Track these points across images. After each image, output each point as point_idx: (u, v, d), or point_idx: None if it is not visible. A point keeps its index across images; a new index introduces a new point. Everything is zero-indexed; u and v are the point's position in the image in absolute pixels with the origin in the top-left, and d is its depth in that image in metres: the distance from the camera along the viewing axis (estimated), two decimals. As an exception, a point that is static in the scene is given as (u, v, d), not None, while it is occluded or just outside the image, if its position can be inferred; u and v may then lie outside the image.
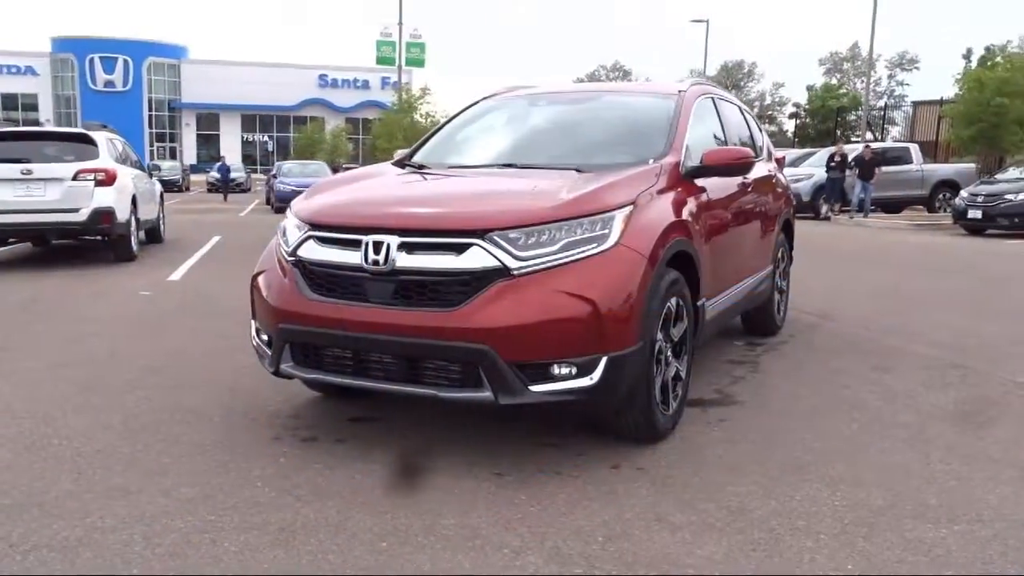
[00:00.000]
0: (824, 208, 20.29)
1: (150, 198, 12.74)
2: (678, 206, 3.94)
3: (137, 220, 11.33)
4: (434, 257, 3.36)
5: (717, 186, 4.55)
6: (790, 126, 42.64)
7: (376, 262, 3.40)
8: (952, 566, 2.69)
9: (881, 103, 41.21)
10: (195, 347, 5.76)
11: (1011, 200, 15.43)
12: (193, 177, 46.99)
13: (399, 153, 5.22)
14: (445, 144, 4.92)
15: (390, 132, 25.66)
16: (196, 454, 3.66)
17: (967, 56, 36.59)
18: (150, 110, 67.74)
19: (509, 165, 4.28)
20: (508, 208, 3.44)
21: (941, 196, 21.36)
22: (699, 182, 4.32)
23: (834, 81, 45.68)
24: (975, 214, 16.00)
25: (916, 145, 22.81)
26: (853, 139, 35.79)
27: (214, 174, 37.25)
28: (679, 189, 4.05)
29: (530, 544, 2.81)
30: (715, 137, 5.03)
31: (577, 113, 4.94)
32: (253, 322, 4.03)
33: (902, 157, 21.04)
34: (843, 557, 2.74)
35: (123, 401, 4.46)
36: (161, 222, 13.74)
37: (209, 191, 40.09)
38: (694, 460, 3.60)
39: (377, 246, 3.41)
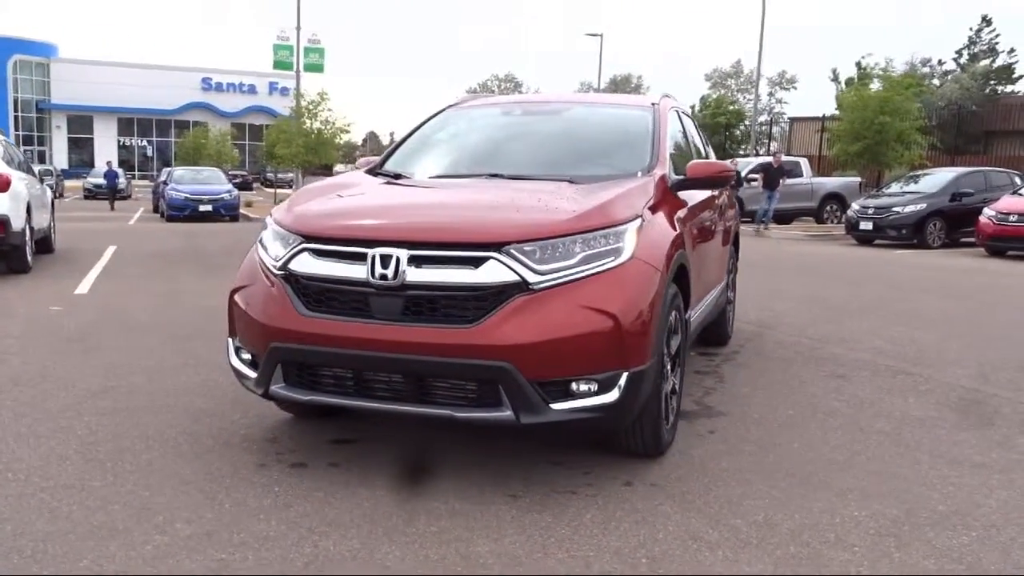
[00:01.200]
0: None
1: (42, 205, 11.89)
2: (673, 219, 3.93)
3: (31, 229, 10.54)
4: (447, 271, 3.21)
5: (694, 199, 4.58)
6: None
7: (384, 276, 3.21)
8: (989, 571, 2.75)
9: (762, 119, 43.13)
10: (133, 366, 5.36)
11: (899, 212, 16.35)
12: (67, 183, 44.37)
13: (363, 161, 5.02)
14: (417, 153, 4.75)
15: (288, 139, 24.93)
16: (178, 486, 3.37)
17: (835, 77, 38.77)
18: (16, 111, 63.57)
19: (495, 175, 4.16)
20: (524, 220, 3.33)
21: (829, 208, 22.45)
22: (682, 195, 4.33)
23: (724, 93, 47.51)
24: (866, 225, 16.86)
25: (806, 159, 23.92)
26: (740, 153, 37.18)
27: (93, 180, 35.26)
28: (670, 202, 4.04)
29: (575, 570, 2.70)
30: (681, 149, 5.06)
31: (555, 124, 4.87)
32: (231, 340, 3.76)
33: (794, 171, 21.98)
34: (884, 568, 2.76)
35: (72, 428, 4.08)
36: (53, 231, 12.85)
37: (86, 198, 37.96)
38: (701, 474, 3.58)
39: (385, 259, 3.23)
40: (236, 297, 3.68)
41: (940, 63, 44.98)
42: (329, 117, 24.62)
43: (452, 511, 3.14)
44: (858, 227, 17.05)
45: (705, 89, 52.02)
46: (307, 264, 3.41)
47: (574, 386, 3.18)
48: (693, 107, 45.41)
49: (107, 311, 7.58)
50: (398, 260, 3.21)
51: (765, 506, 3.25)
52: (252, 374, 3.58)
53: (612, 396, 3.20)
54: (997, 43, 44.80)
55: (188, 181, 23.81)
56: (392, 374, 3.27)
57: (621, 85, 68.82)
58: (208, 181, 24.24)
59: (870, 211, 16.99)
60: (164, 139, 66.90)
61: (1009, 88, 43.21)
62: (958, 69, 44.00)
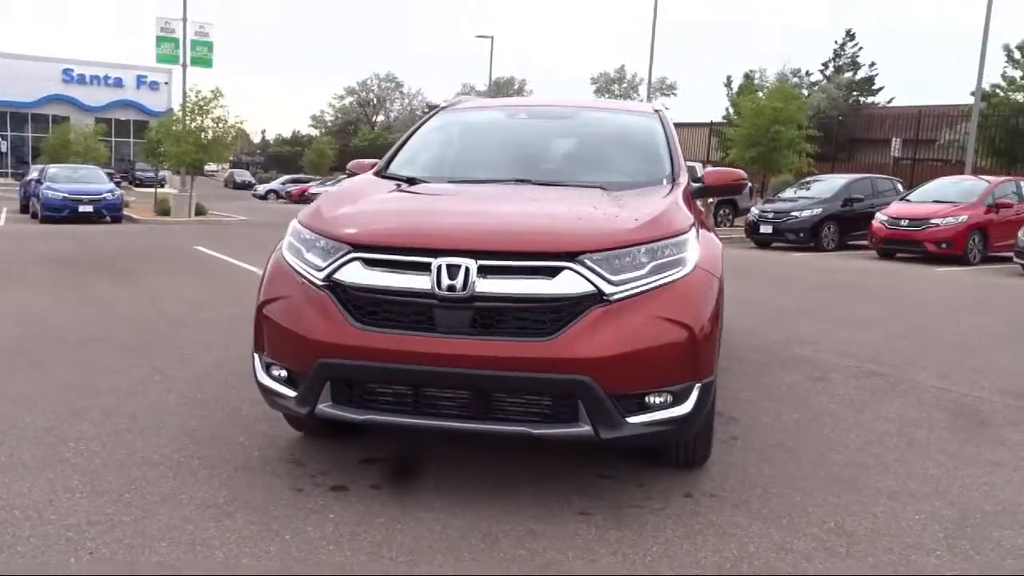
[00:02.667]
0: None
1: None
2: (708, 227, 3.92)
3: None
4: (520, 282, 3.07)
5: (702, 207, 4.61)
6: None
7: (452, 287, 3.05)
8: (1067, 570, 2.86)
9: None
10: (95, 385, 4.92)
11: (796, 217, 17.12)
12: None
13: (356, 164, 4.78)
14: (425, 157, 4.56)
15: (176, 136, 23.68)
16: (220, 517, 3.10)
17: (728, 83, 40.35)
18: None
19: (524, 181, 4.04)
20: (595, 229, 3.23)
21: (722, 212, 23.27)
22: (699, 202, 4.34)
23: (609, 99, 48.53)
24: (766, 229, 17.58)
25: (700, 164, 24.70)
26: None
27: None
28: (697, 210, 4.04)
29: (689, 589, 2.64)
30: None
31: (564, 129, 4.78)
32: (257, 357, 3.49)
33: (690, 175, 22.61)
34: (973, 569, 2.83)
35: (62, 455, 3.70)
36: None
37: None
38: (751, 482, 3.58)
39: (452, 270, 3.06)
40: (267, 310, 3.42)
41: (808, 74, 47.41)
42: (222, 114, 23.59)
43: (530, 532, 3.01)
44: (758, 230, 17.75)
45: (590, 93, 52.95)
46: (358, 274, 3.19)
47: (649, 399, 3.11)
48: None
49: (31, 323, 6.95)
50: (467, 270, 3.05)
51: (830, 512, 3.28)
52: (289, 392, 3.33)
53: (686, 408, 3.15)
54: (859, 56, 47.65)
55: (65, 180, 22.20)
56: (459, 391, 3.11)
57: (503, 88, 69.24)
58: (87, 180, 22.71)
59: (769, 215, 17.71)
60: (21, 134, 62.42)
61: (871, 99, 46.11)
62: (824, 80, 46.52)
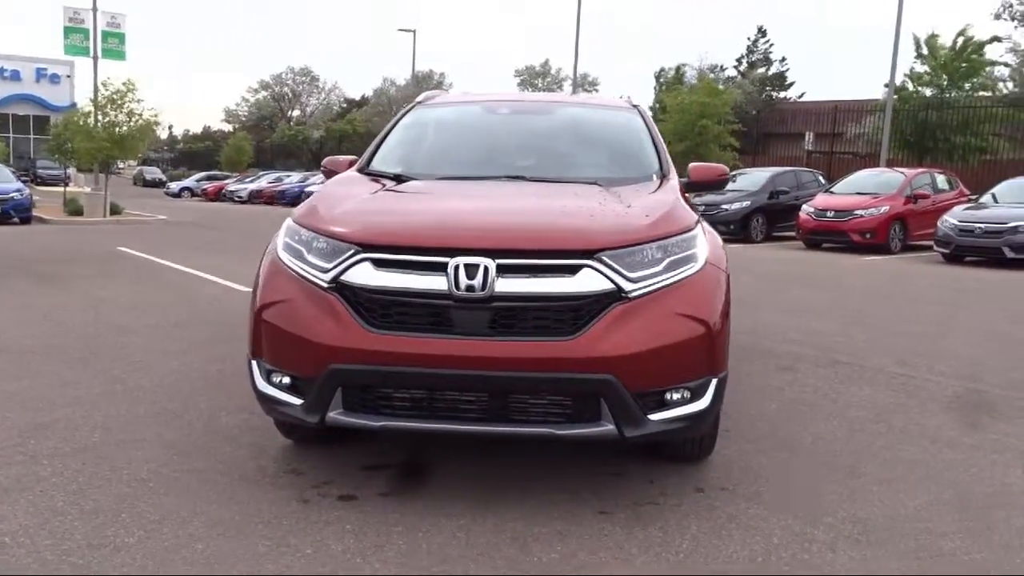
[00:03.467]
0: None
1: None
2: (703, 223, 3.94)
3: None
4: (540, 281, 3.02)
5: None
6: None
7: (471, 288, 2.97)
8: (1074, 548, 2.98)
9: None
10: (52, 397, 4.65)
11: (727, 209, 17.49)
12: None
13: (331, 161, 4.63)
14: (407, 153, 4.45)
15: (88, 132, 22.61)
16: (231, 534, 2.95)
17: (658, 76, 40.87)
18: None
19: (517, 178, 3.98)
20: (611, 227, 3.19)
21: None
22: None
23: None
24: (697, 221, 17.89)
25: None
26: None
27: None
28: (694, 206, 4.05)
29: (730, 585, 2.64)
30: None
31: (549, 124, 4.73)
32: (256, 364, 3.34)
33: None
34: (997, 549, 2.91)
35: (38, 474, 3.48)
36: None
37: None
38: (753, 473, 3.62)
39: (470, 269, 2.99)
40: (267, 315, 3.27)
41: (723, 69, 48.55)
42: (135, 108, 22.61)
43: (558, 534, 2.97)
44: (689, 223, 18.04)
45: (515, 87, 53.08)
46: (368, 276, 3.08)
47: (669, 396, 3.10)
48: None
49: (-37, 331, 6.53)
50: (486, 270, 2.98)
51: (839, 501, 3.34)
52: (294, 400, 3.19)
53: (703, 404, 3.16)
54: (771, 52, 49.07)
55: (-32, 179, 21.00)
56: (479, 393, 3.04)
57: (423, 82, 68.71)
58: (-9, 179, 21.52)
59: (700, 208, 17.98)
60: (-95, 130, 58.70)
61: (783, 94, 47.55)
62: (739, 76, 47.74)
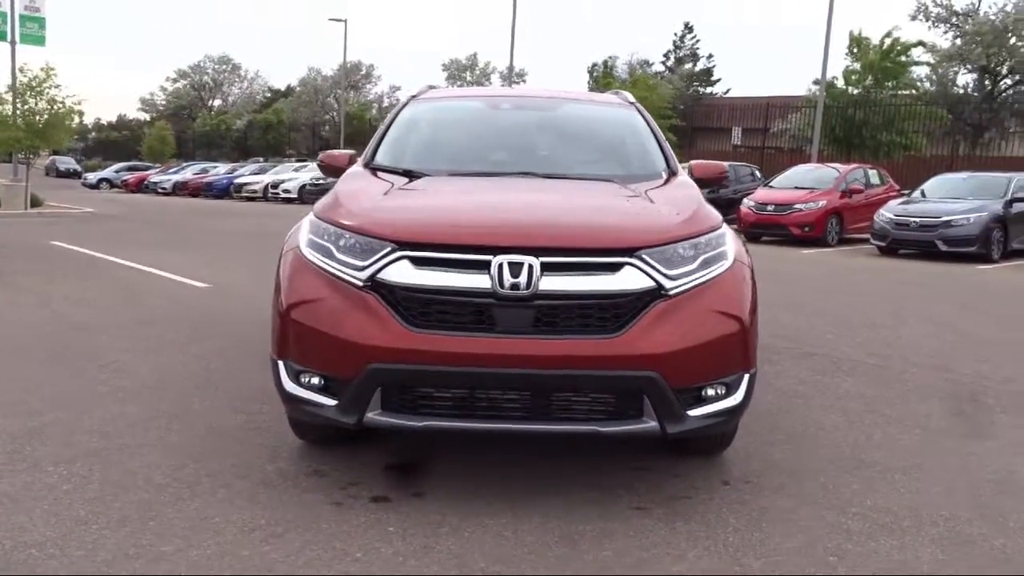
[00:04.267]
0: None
1: None
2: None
3: None
4: (583, 278, 3.02)
5: None
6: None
7: (516, 286, 2.96)
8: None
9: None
10: (34, 400, 4.45)
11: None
12: None
13: (333, 155, 4.53)
14: (410, 148, 4.38)
15: (2, 120, 21.58)
16: (271, 539, 2.87)
17: (591, 71, 41.15)
18: None
19: (527, 174, 3.97)
20: (649, 224, 3.22)
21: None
22: None
23: (462, 86, 48.51)
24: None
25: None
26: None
27: None
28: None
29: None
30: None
31: (550, 120, 4.70)
32: (283, 364, 3.25)
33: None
34: (1018, 536, 3.04)
35: (46, 482, 3.33)
36: None
37: None
38: (771, 466, 3.70)
39: (515, 268, 2.97)
40: (295, 314, 3.19)
41: (650, 64, 49.27)
42: (56, 95, 21.66)
43: (605, 531, 2.98)
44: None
45: (442, 81, 52.71)
46: (407, 274, 3.03)
47: (706, 391, 3.15)
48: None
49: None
50: (531, 268, 2.96)
51: (859, 491, 3.44)
52: (327, 401, 3.13)
53: (737, 399, 3.21)
54: (698, 48, 50.04)
55: None
56: (521, 392, 3.02)
57: (351, 73, 67.74)
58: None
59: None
60: None
61: (709, 90, 48.56)
62: (666, 71, 48.55)
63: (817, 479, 3.55)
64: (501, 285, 2.96)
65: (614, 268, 3.04)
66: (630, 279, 3.03)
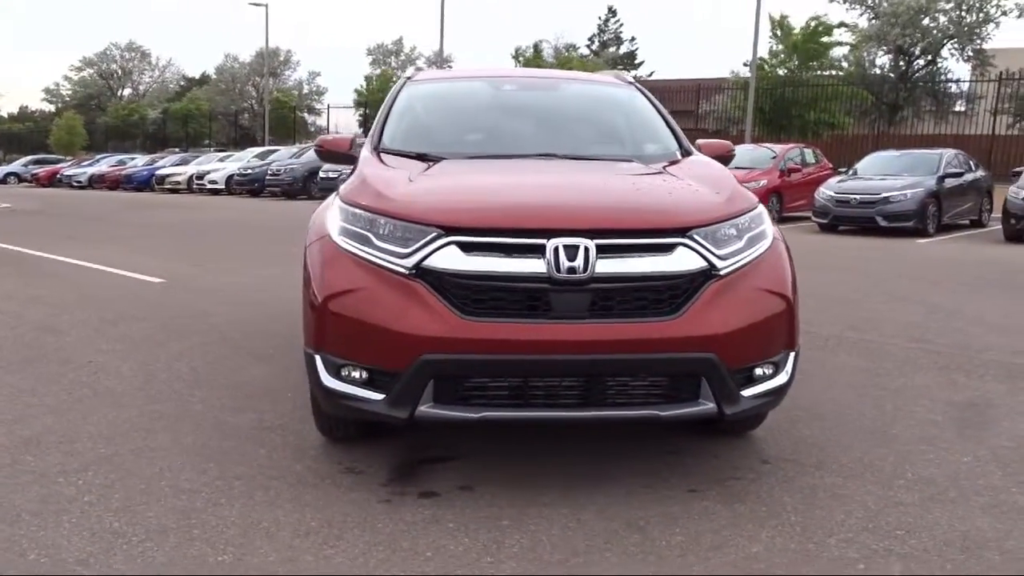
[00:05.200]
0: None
1: None
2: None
3: None
4: (639, 260, 2.96)
5: None
6: (345, 116, 43.34)
7: (572, 270, 2.87)
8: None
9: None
10: (11, 408, 4.17)
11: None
12: None
13: (334, 139, 4.35)
14: (418, 132, 4.23)
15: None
16: (331, 542, 2.75)
17: (516, 56, 41.04)
18: None
19: (548, 155, 3.87)
20: (696, 204, 3.17)
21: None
22: None
23: (387, 70, 47.65)
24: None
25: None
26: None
27: None
28: None
29: (871, 554, 2.70)
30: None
31: (557, 100, 4.61)
32: (320, 358, 3.10)
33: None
34: (1055, 502, 3.13)
35: (64, 493, 3.11)
36: None
37: None
38: (804, 443, 3.73)
39: (570, 251, 2.88)
40: (335, 306, 3.04)
41: (576, 48, 49.49)
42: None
43: (669, 516, 2.95)
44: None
45: (367, 66, 51.95)
46: (456, 260, 2.92)
47: (757, 371, 3.13)
48: (359, 88, 45.20)
49: None
50: (587, 250, 2.89)
51: (896, 464, 3.48)
52: (373, 395, 3.00)
53: (784, 377, 3.21)
54: (622, 32, 50.49)
55: None
56: (578, 378, 2.95)
57: (270, 58, 66.01)
58: None
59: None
60: None
61: (633, 73, 49.03)
62: (591, 55, 48.84)
63: (852, 454, 3.58)
64: (557, 269, 2.87)
65: (668, 249, 2.98)
66: (684, 260, 2.98)
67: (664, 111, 4.53)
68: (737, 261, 3.10)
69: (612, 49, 49.48)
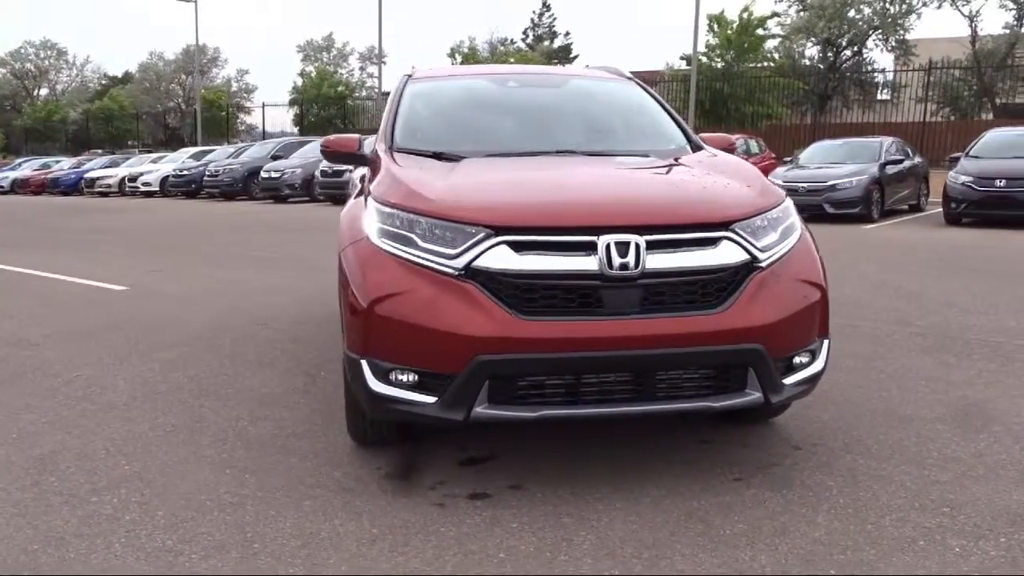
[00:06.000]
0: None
1: None
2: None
3: None
4: (686, 254, 2.99)
5: None
6: (280, 115, 42.50)
7: (624, 266, 2.90)
8: None
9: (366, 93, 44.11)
10: (20, 426, 4.01)
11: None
12: None
13: (342, 140, 4.28)
14: (428, 131, 4.19)
15: None
16: (399, 549, 2.72)
17: (453, 53, 40.76)
18: None
19: (567, 152, 3.89)
20: (737, 197, 3.23)
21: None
22: None
23: (330, 68, 46.84)
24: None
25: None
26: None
27: None
28: None
29: (927, 532, 2.79)
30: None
31: (565, 97, 4.61)
32: (368, 362, 3.05)
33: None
34: (1077, 473, 3.28)
35: (101, 511, 3.01)
36: None
37: None
38: (826, 428, 3.82)
39: (622, 247, 2.90)
40: (382, 309, 3.00)
41: (512, 42, 49.52)
42: None
43: (723, 505, 3.00)
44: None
45: (297, 62, 51.00)
46: (508, 260, 2.91)
47: (796, 360, 3.20)
48: (295, 83, 44.41)
49: None
50: (637, 247, 2.91)
51: (919, 443, 3.60)
52: (425, 398, 2.97)
53: (820, 365, 3.29)
54: (555, 26, 50.69)
55: None
56: (630, 373, 2.97)
57: (194, 56, 64.41)
58: None
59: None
60: None
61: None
62: (527, 48, 48.92)
63: (875, 436, 3.69)
64: (610, 265, 2.89)
65: (713, 243, 3.03)
66: (728, 253, 3.03)
67: (667, 105, 4.58)
68: (775, 252, 3.16)
69: (547, 43, 49.64)
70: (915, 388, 4.43)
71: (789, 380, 3.16)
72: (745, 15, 27.92)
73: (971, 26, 32.62)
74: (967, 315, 6.31)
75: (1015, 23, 32.49)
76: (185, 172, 27.29)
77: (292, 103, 42.74)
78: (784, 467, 3.35)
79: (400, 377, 3.01)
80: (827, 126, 27.19)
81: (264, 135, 39.49)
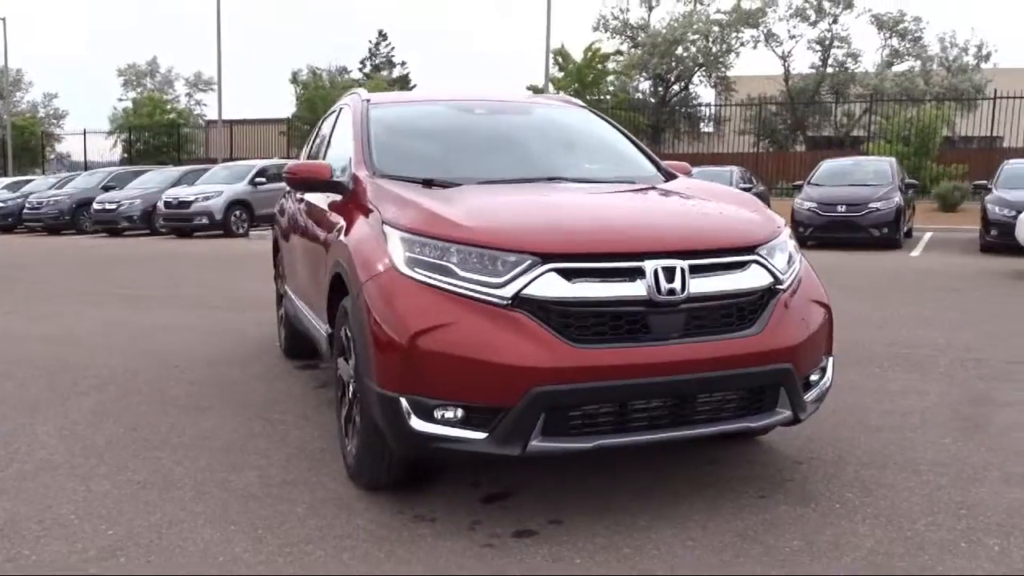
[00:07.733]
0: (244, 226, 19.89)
1: None
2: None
3: None
4: (722, 278, 3.06)
5: None
6: (96, 141, 39.63)
7: (672, 291, 2.92)
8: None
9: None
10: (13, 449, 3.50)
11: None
12: None
13: (311, 167, 4.06)
14: (409, 158, 4.03)
15: None
16: None
17: (294, 79, 39.45)
18: None
19: (555, 179, 3.87)
20: (754, 224, 3.33)
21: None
22: None
23: (157, 95, 44.12)
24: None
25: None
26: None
27: None
28: None
29: (962, 534, 2.95)
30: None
31: (535, 125, 4.56)
32: (407, 400, 2.89)
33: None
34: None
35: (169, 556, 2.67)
36: None
37: None
38: (836, 442, 3.94)
39: (669, 272, 2.93)
40: (426, 343, 2.86)
41: (348, 71, 48.95)
42: None
43: (764, 523, 3.05)
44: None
45: (118, 87, 48.06)
46: (557, 287, 2.86)
47: (812, 377, 3.33)
48: (127, 110, 41.78)
49: None
50: (683, 271, 2.94)
51: (903, 451, 3.81)
52: (474, 435, 2.86)
53: (828, 380, 3.44)
54: (393, 55, 50.67)
55: None
56: (676, 398, 2.99)
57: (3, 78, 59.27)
58: None
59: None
60: None
61: (407, 97, 49.33)
62: (364, 78, 48.54)
63: (886, 447, 3.84)
64: (658, 291, 2.90)
65: (744, 266, 3.11)
66: (757, 276, 3.13)
67: (626, 132, 4.67)
68: (790, 275, 3.29)
69: (384, 72, 49.48)
70: (915, 402, 4.58)
71: (808, 397, 3.28)
72: (589, 54, 29.07)
73: (784, 65, 35.58)
74: (865, 330, 6.78)
75: (820, 64, 35.73)
76: (1, 204, 24.97)
77: (119, 130, 40.12)
78: (797, 482, 3.46)
79: (447, 414, 2.87)
80: (670, 156, 28.69)
81: (86, 165, 36.76)
